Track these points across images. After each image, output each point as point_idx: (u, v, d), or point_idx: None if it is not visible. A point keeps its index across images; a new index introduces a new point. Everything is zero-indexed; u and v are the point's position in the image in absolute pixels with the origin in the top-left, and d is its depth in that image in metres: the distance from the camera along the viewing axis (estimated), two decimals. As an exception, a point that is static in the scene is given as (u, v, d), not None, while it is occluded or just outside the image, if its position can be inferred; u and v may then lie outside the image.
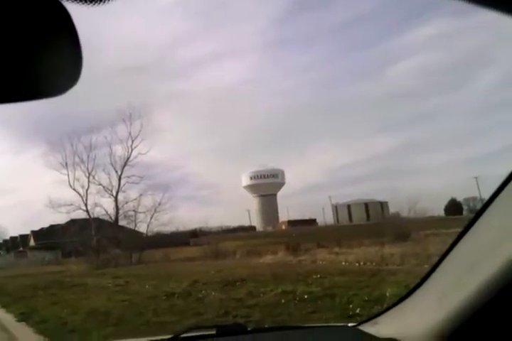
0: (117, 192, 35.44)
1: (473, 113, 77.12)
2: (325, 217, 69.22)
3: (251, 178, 79.92)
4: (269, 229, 64.14)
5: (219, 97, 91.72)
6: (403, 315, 1.55)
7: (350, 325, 1.86)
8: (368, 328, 1.68)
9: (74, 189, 35.36)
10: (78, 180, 35.65)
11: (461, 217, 44.51)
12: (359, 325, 1.78)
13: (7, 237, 62.56)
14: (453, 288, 1.30)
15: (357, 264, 14.79)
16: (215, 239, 32.34)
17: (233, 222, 70.96)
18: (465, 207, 61.26)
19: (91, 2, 0.58)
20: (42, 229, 48.64)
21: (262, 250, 23.73)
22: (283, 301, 8.81)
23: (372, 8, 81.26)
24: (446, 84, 79.88)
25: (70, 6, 0.62)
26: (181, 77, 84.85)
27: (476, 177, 55.23)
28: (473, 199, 60.18)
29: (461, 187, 66.11)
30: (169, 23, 74.71)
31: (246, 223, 74.13)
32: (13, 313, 10.69)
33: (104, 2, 0.58)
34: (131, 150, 35.72)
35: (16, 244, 56.57)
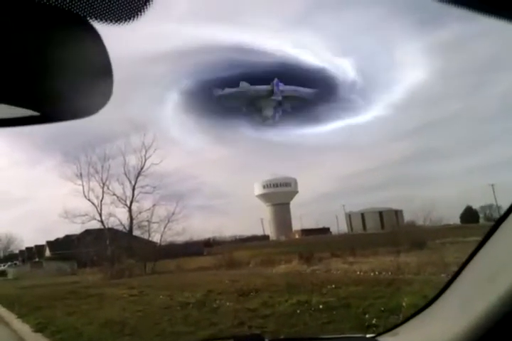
0: (131, 202, 35.74)
1: (489, 119, 76.23)
2: (338, 226, 68.74)
3: (264, 187, 79.76)
4: (283, 238, 63.79)
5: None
6: (423, 326, 1.53)
7: (368, 336, 1.82)
8: (387, 339, 1.65)
9: (89, 199, 35.73)
10: (93, 190, 36.03)
11: (478, 225, 43.80)
12: (378, 335, 1.74)
13: (23, 248, 63.39)
14: (474, 297, 1.28)
15: (372, 274, 14.62)
16: (228, 249, 32.27)
17: (247, 231, 70.79)
18: (481, 215, 60.38)
19: (117, 21, 0.61)
20: (57, 240, 49.13)
21: (275, 259, 23.61)
22: (298, 311, 8.74)
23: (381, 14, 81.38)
24: (460, 90, 79.36)
25: (99, 25, 0.64)
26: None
27: (493, 185, 54.46)
28: (490, 207, 59.37)
29: (477, 195, 65.15)
30: (182, 33, 75.59)
31: (259, 232, 73.96)
32: (29, 323, 10.76)
33: (130, 21, 0.61)
34: (145, 160, 36.09)
35: (32, 255, 57.14)
